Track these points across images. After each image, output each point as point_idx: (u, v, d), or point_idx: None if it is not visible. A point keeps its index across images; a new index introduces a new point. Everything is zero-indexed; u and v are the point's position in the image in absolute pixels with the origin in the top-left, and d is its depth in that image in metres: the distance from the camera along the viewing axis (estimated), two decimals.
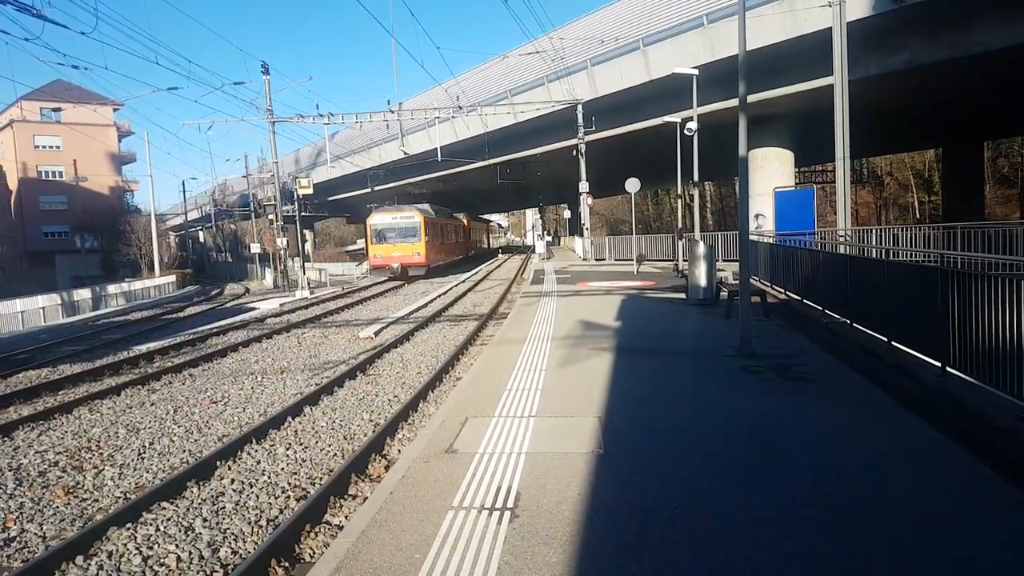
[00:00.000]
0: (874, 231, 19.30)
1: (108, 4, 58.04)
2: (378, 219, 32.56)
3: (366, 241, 33.87)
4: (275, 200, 35.16)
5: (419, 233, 31.71)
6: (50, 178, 67.38)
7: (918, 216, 53.16)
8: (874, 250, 15.57)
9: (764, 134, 26.80)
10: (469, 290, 25.00)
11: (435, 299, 22.42)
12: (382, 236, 32.15)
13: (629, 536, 4.03)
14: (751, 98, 9.39)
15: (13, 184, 67.26)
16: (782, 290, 14.15)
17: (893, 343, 8.13)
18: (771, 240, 17.48)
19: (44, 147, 67.31)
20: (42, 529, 5.62)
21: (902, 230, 17.90)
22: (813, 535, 3.95)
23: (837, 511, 4.27)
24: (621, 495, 4.63)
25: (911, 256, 14.04)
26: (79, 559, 4.93)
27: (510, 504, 4.56)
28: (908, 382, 7.15)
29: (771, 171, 28.05)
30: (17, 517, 5.86)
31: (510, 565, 3.76)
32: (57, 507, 6.06)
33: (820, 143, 25.27)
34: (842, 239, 16.01)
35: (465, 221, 47.71)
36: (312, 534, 5.18)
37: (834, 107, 16.25)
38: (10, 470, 7.03)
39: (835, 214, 18.11)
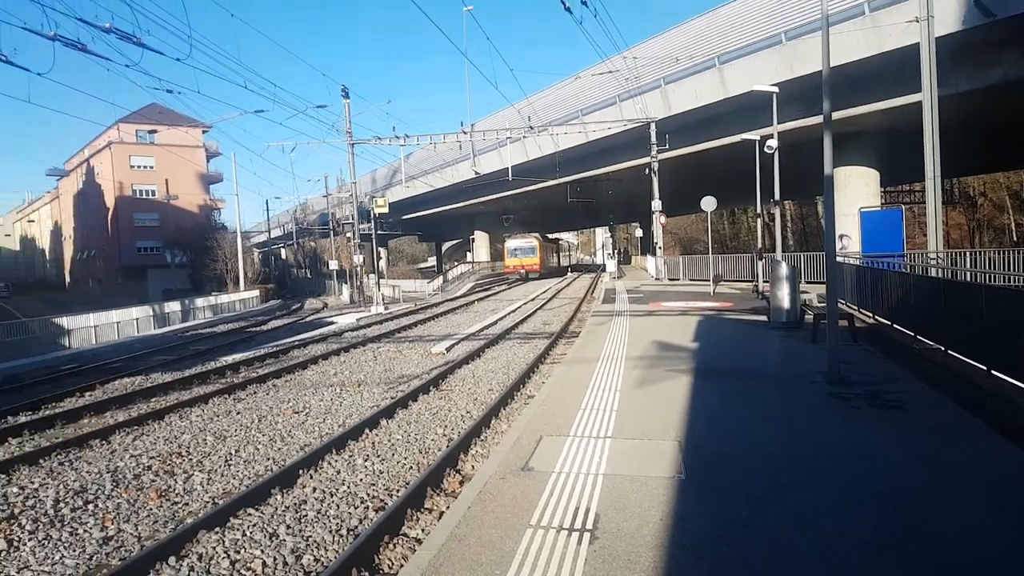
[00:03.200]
0: (968, 254, 18.29)
1: (201, 32, 61.76)
2: (512, 243, 49.99)
3: (503, 255, 51.89)
4: (352, 219, 36.25)
5: (536, 252, 49.07)
6: (144, 196, 71.25)
7: (1015, 239, 50.17)
8: (968, 274, 14.78)
9: (847, 152, 25.93)
10: (539, 308, 25.02)
11: (504, 316, 22.54)
12: (514, 253, 49.36)
13: (714, 565, 3.91)
14: (834, 115, 9.10)
15: (110, 202, 71.47)
16: (870, 314, 13.59)
17: (993, 371, 7.67)
18: (857, 261, 16.84)
19: (139, 167, 71.14)
20: (137, 529, 5.89)
21: (998, 253, 16.94)
22: None
23: (942, 550, 4.03)
24: (704, 522, 4.50)
25: (1010, 280, 13.26)
26: (172, 559, 5.13)
27: (589, 525, 4.51)
28: (1009, 411, 6.72)
29: (855, 191, 27.08)
30: (115, 517, 6.16)
31: None
32: (151, 509, 6.34)
33: (907, 162, 24.27)
34: (934, 262, 15.26)
35: (556, 244, 63.18)
36: (391, 545, 5.24)
37: (923, 125, 15.58)
38: (108, 472, 7.42)
39: (924, 236, 17.31)
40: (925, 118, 15.49)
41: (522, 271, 48.78)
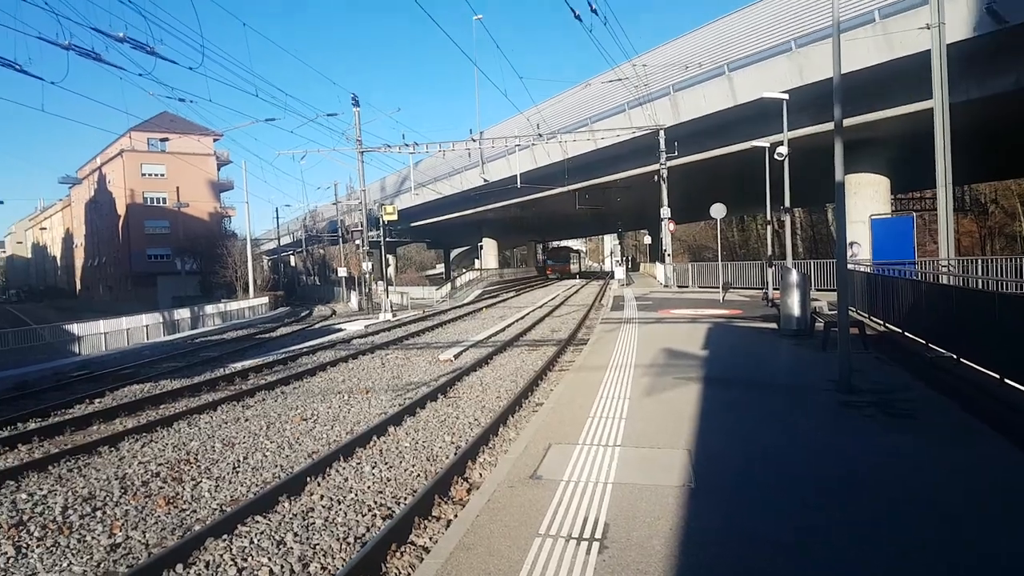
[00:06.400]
0: (979, 261, 18.14)
1: (214, 41, 62.17)
2: (551, 252, 75.00)
3: (544, 261, 76.40)
4: (361, 226, 36.36)
5: (567, 260, 70.59)
6: (155, 204, 71.63)
7: None
8: (980, 281, 14.67)
9: (858, 159, 25.86)
10: (546, 315, 24.97)
11: (512, 323, 22.50)
12: (549, 261, 71.86)
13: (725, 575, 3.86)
14: (844, 122, 9.06)
15: (121, 209, 71.91)
16: (881, 322, 13.49)
17: (1006, 380, 7.59)
18: (867, 269, 16.74)
19: (150, 175, 71.64)
20: (145, 536, 5.88)
21: (1009, 260, 16.79)
22: None
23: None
24: (715, 532, 4.45)
25: (1022, 288, 13.14)
26: (179, 567, 5.12)
27: (598, 535, 4.46)
28: (1020, 420, 6.64)
29: (865, 198, 27.01)
30: (123, 524, 6.15)
31: None
32: (159, 516, 6.32)
33: (918, 169, 24.21)
34: (945, 269, 15.15)
35: (577, 253, 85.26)
36: (398, 554, 5.21)
37: (934, 132, 15.49)
38: (116, 479, 7.41)
39: (935, 243, 17.19)
40: (936, 125, 15.41)
41: (556, 273, 67.83)
